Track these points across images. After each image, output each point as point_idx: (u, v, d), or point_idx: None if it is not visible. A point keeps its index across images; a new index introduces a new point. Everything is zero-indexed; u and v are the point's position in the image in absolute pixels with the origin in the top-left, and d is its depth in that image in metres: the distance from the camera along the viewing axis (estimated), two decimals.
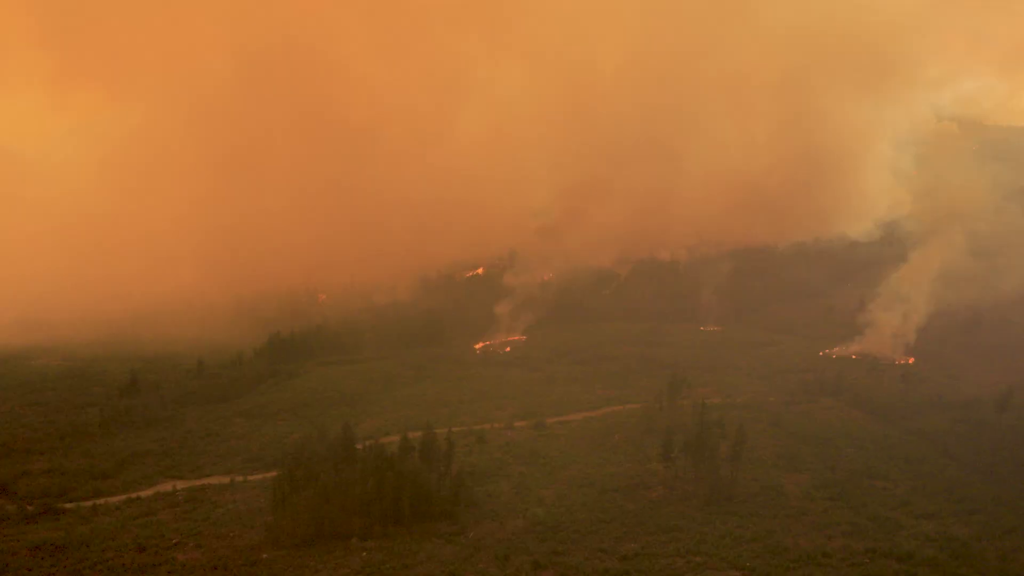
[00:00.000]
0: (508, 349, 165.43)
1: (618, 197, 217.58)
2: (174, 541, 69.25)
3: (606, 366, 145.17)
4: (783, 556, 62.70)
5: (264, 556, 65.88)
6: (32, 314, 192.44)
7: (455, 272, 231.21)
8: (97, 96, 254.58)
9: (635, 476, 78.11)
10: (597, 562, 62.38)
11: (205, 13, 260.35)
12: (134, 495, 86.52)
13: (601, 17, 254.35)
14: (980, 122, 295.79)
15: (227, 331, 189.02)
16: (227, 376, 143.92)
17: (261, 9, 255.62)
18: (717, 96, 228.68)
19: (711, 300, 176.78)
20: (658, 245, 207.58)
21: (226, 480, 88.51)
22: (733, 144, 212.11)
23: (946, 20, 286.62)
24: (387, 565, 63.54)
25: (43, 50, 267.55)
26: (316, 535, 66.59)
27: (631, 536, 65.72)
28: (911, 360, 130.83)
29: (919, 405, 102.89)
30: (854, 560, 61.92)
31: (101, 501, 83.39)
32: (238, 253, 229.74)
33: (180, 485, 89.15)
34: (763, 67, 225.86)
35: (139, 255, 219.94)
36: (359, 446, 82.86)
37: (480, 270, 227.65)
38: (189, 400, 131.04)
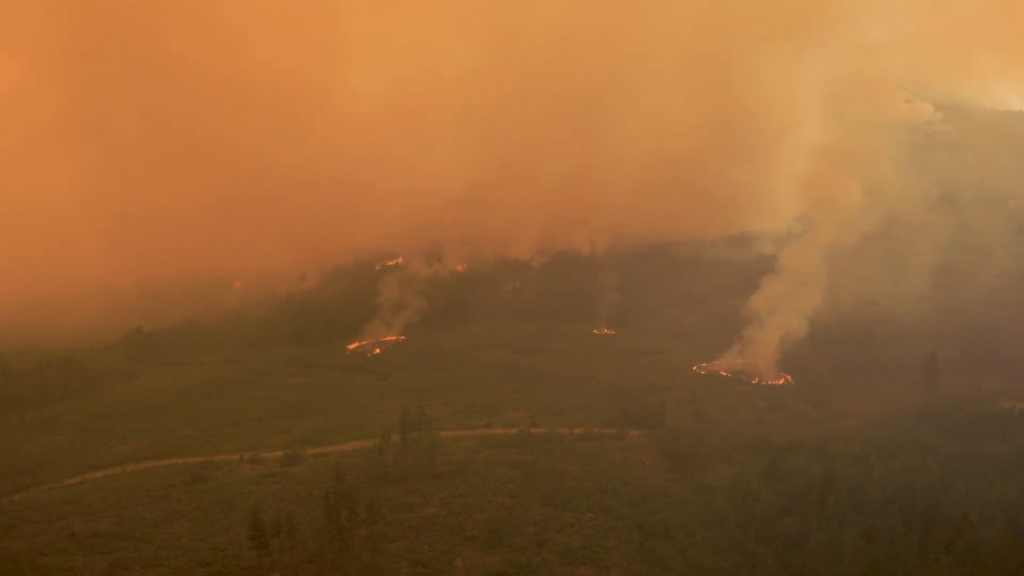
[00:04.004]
0: (377, 351, 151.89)
1: (538, 177, 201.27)
2: None
3: (462, 375, 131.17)
4: None
5: None
6: None
7: (376, 260, 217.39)
8: None
9: (273, 552, 63.59)
10: None
11: None
12: None
13: None
14: (965, 106, 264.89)
15: (115, 320, 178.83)
16: (46, 377, 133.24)
17: None
18: (641, 70, 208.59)
19: (611, 300, 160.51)
20: (578, 235, 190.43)
21: None
22: (656, 120, 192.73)
23: None
24: None
25: None
26: None
27: None
28: (782, 380, 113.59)
29: (735, 446, 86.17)
30: None
31: None
32: (150, 233, 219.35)
33: None
34: (685, 39, 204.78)
35: (41, 237, 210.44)
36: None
37: (400, 259, 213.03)
38: None
